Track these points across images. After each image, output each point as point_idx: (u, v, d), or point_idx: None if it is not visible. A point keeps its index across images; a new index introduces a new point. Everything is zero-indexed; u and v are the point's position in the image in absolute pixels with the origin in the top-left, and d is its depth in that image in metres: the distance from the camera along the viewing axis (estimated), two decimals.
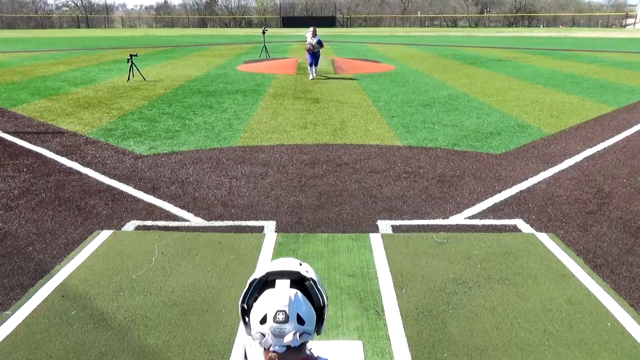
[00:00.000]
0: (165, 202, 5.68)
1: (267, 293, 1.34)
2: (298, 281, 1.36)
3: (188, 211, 5.42)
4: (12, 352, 3.15)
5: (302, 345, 1.37)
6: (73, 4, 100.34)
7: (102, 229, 4.97)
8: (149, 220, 5.18)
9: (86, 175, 6.63)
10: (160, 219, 5.22)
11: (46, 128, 9.41)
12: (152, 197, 5.83)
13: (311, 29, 16.29)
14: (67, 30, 77.53)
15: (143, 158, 7.44)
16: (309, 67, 16.58)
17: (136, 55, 16.55)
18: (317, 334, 1.41)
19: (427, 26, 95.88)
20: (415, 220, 5.19)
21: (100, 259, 4.33)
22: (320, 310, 1.37)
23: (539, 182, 6.37)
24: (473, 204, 5.62)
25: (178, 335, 3.31)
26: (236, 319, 3.44)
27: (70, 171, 6.80)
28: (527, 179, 6.47)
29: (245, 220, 5.18)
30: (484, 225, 5.07)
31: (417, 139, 8.59)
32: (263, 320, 1.31)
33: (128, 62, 16.01)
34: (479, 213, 5.38)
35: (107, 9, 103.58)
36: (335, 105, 11.61)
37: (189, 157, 7.47)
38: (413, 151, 7.82)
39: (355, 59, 23.96)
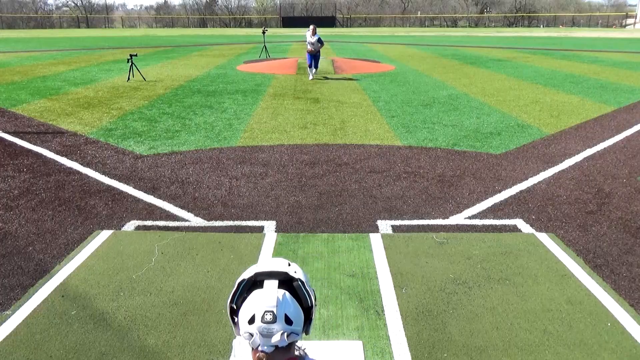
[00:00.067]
0: (165, 202, 5.68)
1: (256, 293, 1.35)
2: (286, 281, 1.37)
3: (188, 211, 5.42)
4: (12, 352, 3.15)
5: (290, 345, 1.38)
6: (73, 4, 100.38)
7: (102, 229, 4.97)
8: (149, 220, 5.18)
9: (86, 175, 6.63)
10: (160, 219, 5.22)
11: (46, 128, 9.41)
12: (152, 197, 5.83)
13: (311, 27, 16.19)
14: (67, 30, 77.54)
15: (143, 158, 7.44)
16: (308, 67, 16.58)
17: (136, 55, 16.55)
18: (306, 334, 1.42)
19: (427, 26, 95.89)
20: (415, 220, 5.19)
21: (100, 259, 4.33)
22: (308, 311, 1.39)
23: (539, 182, 6.37)
24: (473, 204, 5.62)
25: (178, 335, 3.31)
26: None
27: (70, 171, 6.80)
28: (527, 179, 6.47)
29: (245, 220, 5.18)
30: (484, 225, 5.07)
31: (417, 139, 8.59)
32: (251, 321, 1.33)
33: (128, 62, 16.01)
34: (479, 213, 5.38)
35: (107, 9, 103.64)
36: (335, 105, 11.61)
37: (189, 157, 7.47)
38: (413, 151, 7.82)
39: (355, 59, 23.96)
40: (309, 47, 16.03)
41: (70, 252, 4.48)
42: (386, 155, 7.59)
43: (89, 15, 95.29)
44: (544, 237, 4.76)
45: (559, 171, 6.83)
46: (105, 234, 4.82)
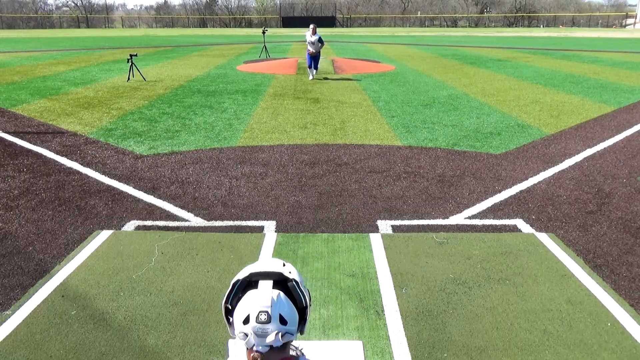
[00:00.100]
0: (165, 202, 5.68)
1: (250, 294, 1.36)
2: (281, 282, 1.38)
3: (188, 211, 5.42)
4: (12, 352, 3.15)
5: (285, 345, 1.39)
6: (73, 4, 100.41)
7: (102, 229, 4.97)
8: (149, 220, 5.18)
9: (86, 175, 6.63)
10: (160, 219, 5.22)
11: (46, 128, 9.41)
12: (152, 197, 5.83)
13: (311, 26, 16.11)
14: (67, 30, 77.54)
15: (143, 158, 7.44)
16: (308, 68, 16.56)
17: (136, 55, 16.55)
18: (300, 334, 1.43)
19: (427, 26, 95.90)
20: (415, 220, 5.19)
21: (100, 259, 4.33)
22: (302, 311, 1.40)
23: (539, 182, 6.37)
24: (473, 204, 5.62)
25: (178, 335, 3.31)
26: None
27: (70, 171, 6.80)
28: (527, 179, 6.47)
29: (245, 220, 5.18)
30: (484, 225, 5.07)
31: (417, 139, 8.59)
32: (246, 321, 1.34)
33: (128, 62, 16.00)
34: (479, 213, 5.38)
35: (107, 9, 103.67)
36: (335, 105, 11.61)
37: (189, 157, 7.47)
38: (413, 151, 7.82)
39: (355, 59, 23.96)
40: (310, 48, 15.96)
41: (70, 252, 4.48)
42: (386, 155, 7.59)
43: (89, 15, 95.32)
44: (544, 237, 4.76)
45: (559, 171, 6.83)
46: (105, 234, 4.82)
